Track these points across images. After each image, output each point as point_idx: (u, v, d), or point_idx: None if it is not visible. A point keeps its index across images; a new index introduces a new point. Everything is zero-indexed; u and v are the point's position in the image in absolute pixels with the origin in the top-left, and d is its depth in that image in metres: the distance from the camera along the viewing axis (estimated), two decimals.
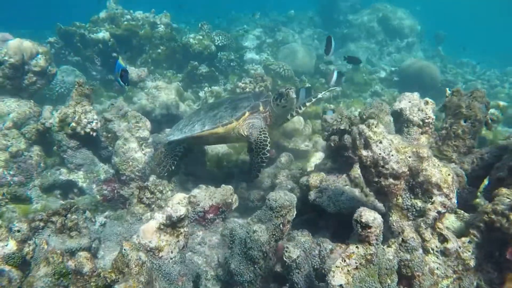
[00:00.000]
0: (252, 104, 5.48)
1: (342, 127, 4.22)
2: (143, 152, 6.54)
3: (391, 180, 3.28)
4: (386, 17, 22.37)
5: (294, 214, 3.76)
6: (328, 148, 4.68)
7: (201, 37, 13.23)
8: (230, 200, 5.02)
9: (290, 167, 6.00)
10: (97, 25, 12.01)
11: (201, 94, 10.70)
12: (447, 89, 4.70)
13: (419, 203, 3.28)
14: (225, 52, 13.71)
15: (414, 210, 3.29)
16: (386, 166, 3.23)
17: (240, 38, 17.21)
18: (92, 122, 5.95)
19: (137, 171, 6.34)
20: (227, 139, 5.84)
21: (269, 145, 5.09)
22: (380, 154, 3.24)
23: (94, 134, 6.07)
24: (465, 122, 4.31)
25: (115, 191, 6.38)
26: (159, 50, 12.52)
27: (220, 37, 13.64)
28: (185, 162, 6.66)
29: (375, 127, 3.30)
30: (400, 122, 4.48)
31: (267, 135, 5.17)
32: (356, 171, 4.29)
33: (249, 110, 5.39)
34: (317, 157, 7.13)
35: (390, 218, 3.39)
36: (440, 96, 14.79)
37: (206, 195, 4.88)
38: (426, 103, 4.33)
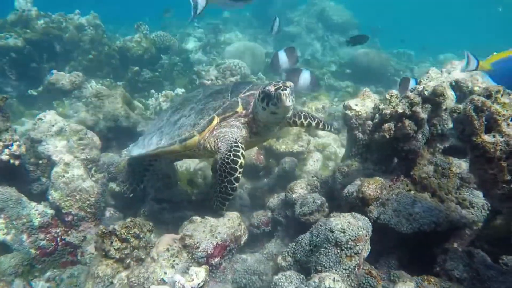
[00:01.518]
0: (227, 103, 3.67)
1: (399, 110, 2.97)
2: (94, 179, 4.78)
3: None
4: (324, 12, 22.16)
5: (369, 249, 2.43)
6: (371, 142, 3.42)
7: (139, 39, 11.44)
8: (239, 233, 3.54)
9: (301, 175, 4.66)
10: (4, 29, 9.68)
11: (151, 101, 8.95)
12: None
13: None
14: (167, 56, 12.08)
15: None
16: None
17: (181, 41, 15.60)
18: (11, 145, 4.10)
19: (89, 206, 4.58)
20: (198, 156, 4.24)
21: (239, 169, 3.37)
22: None
23: (17, 162, 4.22)
24: None
25: (58, 238, 4.56)
26: (91, 56, 10.50)
27: (161, 38, 11.95)
28: (154, 185, 5.02)
29: (502, 96, 2.09)
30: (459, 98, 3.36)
31: (238, 153, 3.39)
32: (422, 169, 3.08)
33: (219, 114, 3.62)
34: (315, 159, 5.89)
35: None
36: (391, 85, 14.53)
37: (205, 232, 3.35)
38: None
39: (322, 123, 4.16)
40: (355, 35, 8.22)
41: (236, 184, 3.41)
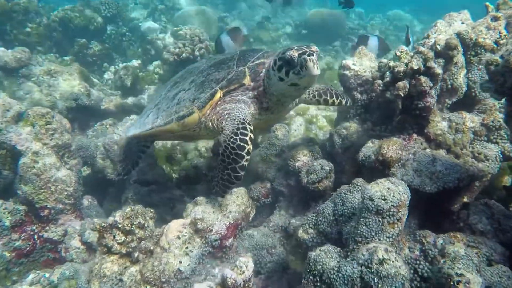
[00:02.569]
0: (232, 74, 3.17)
1: (414, 67, 2.83)
2: (68, 166, 4.28)
3: None
4: None
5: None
6: (375, 102, 3.29)
7: (81, 7, 10.34)
8: (249, 209, 3.34)
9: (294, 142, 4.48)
10: None
11: (108, 75, 8.21)
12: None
13: None
14: (114, 26, 11.11)
15: None
16: None
17: (125, 8, 14.38)
18: None
19: (67, 197, 4.11)
20: (199, 137, 3.68)
21: (246, 157, 2.91)
22: None
23: None
24: None
25: (35, 236, 4.10)
26: (28, 29, 9.33)
27: (106, 5, 10.89)
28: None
29: None
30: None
31: (246, 137, 2.91)
32: (437, 126, 3.02)
33: (222, 86, 3.14)
34: (298, 123, 5.75)
35: None
36: (350, 41, 14.50)
37: (216, 212, 3.10)
38: (495, 18, 3.20)
39: (346, 101, 3.74)
40: None
41: (242, 173, 2.95)
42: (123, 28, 11.50)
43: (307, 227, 2.96)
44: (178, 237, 2.92)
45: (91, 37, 10.28)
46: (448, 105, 3.20)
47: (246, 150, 2.90)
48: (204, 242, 2.97)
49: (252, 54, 3.31)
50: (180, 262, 2.81)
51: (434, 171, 2.79)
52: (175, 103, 3.32)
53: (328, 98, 3.57)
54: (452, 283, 1.94)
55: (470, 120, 2.99)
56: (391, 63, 3.03)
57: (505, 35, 3.18)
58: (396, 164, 2.85)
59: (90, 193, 4.81)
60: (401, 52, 3.01)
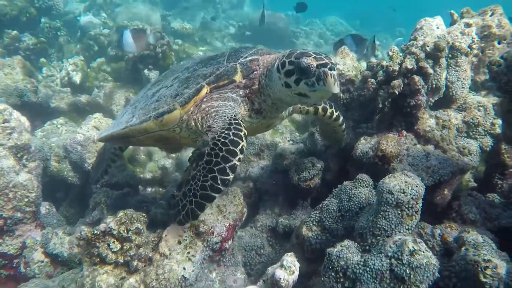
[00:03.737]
0: (221, 70, 2.83)
1: (409, 66, 2.97)
2: (27, 169, 3.80)
3: None
4: None
5: None
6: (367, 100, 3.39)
7: None
8: (245, 209, 3.23)
9: (268, 139, 4.45)
10: None
11: (48, 71, 7.45)
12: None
13: None
14: (47, 18, 10.20)
15: None
16: None
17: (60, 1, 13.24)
18: None
19: (28, 204, 3.64)
20: (179, 140, 3.12)
21: (240, 155, 2.49)
22: None
23: None
24: (499, 43, 3.69)
25: None
26: None
27: None
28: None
29: None
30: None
31: (241, 133, 2.55)
32: (426, 123, 3.20)
33: (210, 82, 2.80)
34: None
35: None
36: (292, 45, 14.97)
37: (215, 213, 2.94)
38: (468, 25, 3.49)
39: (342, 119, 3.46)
40: (301, 1, 8.09)
41: (231, 176, 2.44)
42: (57, 21, 10.57)
43: (311, 224, 2.94)
44: (179, 242, 2.72)
45: (23, 29, 9.29)
46: (431, 104, 3.40)
47: (240, 147, 2.49)
48: (205, 245, 2.80)
49: (245, 51, 3.04)
50: (184, 269, 2.62)
51: (430, 166, 2.94)
52: (155, 100, 2.97)
53: (328, 108, 3.28)
54: (480, 269, 2.04)
55: (454, 117, 3.21)
56: (384, 63, 3.15)
57: (477, 40, 3.48)
58: (396, 160, 2.95)
59: (48, 199, 4.35)
60: (393, 52, 3.14)
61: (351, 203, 2.80)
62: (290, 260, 1.85)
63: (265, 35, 15.69)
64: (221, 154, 2.45)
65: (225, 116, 2.71)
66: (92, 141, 4.39)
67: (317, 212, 2.96)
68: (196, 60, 3.35)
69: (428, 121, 3.17)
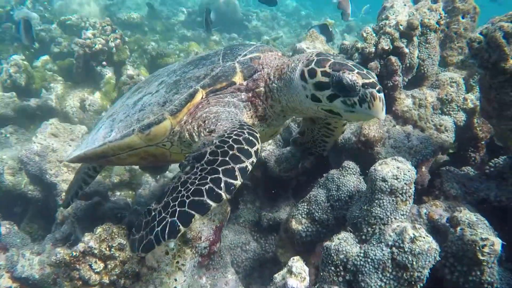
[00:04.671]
0: (217, 70, 2.43)
1: (385, 47, 2.92)
2: None
3: None
4: None
5: None
6: None
7: None
8: (229, 208, 3.09)
9: None
10: None
11: None
12: None
13: None
14: None
15: None
16: None
17: None
18: None
19: None
20: (169, 157, 2.64)
21: (254, 157, 1.99)
22: None
23: None
24: (463, 18, 3.75)
25: None
26: None
27: None
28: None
29: None
30: None
31: (256, 133, 2.10)
32: (403, 103, 3.19)
33: (205, 85, 2.38)
34: None
35: None
36: (245, 29, 14.76)
37: (201, 217, 2.78)
38: (435, 0, 3.50)
39: None
40: None
41: (239, 182, 1.89)
42: None
43: (300, 217, 2.87)
44: (167, 252, 2.55)
45: None
46: (405, 83, 3.41)
47: (255, 148, 2.01)
48: (194, 252, 2.65)
49: (242, 48, 2.62)
50: (176, 280, 2.47)
51: (412, 146, 2.95)
52: (138, 110, 2.51)
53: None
54: (477, 248, 2.06)
55: (430, 95, 3.22)
56: (359, 44, 3.08)
57: (444, 16, 3.50)
58: (379, 143, 2.92)
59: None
60: (367, 33, 3.07)
61: (340, 192, 2.75)
62: (299, 266, 1.75)
63: (217, 20, 15.26)
64: (231, 152, 1.94)
65: (231, 118, 2.28)
66: (51, 150, 4.01)
67: (305, 204, 2.89)
68: (184, 62, 2.92)
69: (405, 101, 3.16)
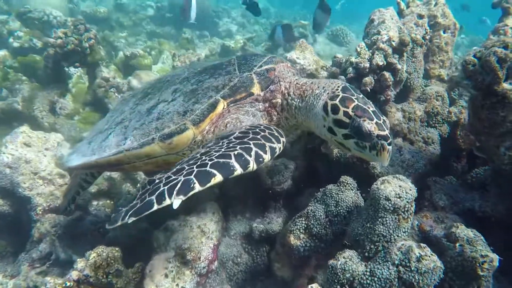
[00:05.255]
0: (235, 81, 2.53)
1: (380, 63, 2.98)
2: None
3: None
4: None
5: None
6: None
7: None
8: (224, 224, 3.03)
9: None
10: None
11: None
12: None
13: None
14: None
15: None
16: None
17: None
18: None
19: None
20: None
21: (282, 144, 2.25)
22: None
23: None
24: (444, 32, 3.90)
25: None
26: None
27: None
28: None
29: None
30: None
31: (282, 132, 2.36)
32: (394, 116, 3.27)
33: (225, 95, 2.47)
34: None
35: None
36: (215, 27, 14.59)
37: (198, 236, 2.71)
38: (420, 16, 3.61)
39: None
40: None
41: (268, 157, 2.05)
42: None
43: (298, 232, 2.86)
44: (166, 275, 2.46)
45: None
46: (393, 98, 3.49)
47: (283, 139, 2.26)
48: (193, 273, 2.59)
49: (256, 59, 2.73)
50: None
51: (404, 160, 3.03)
52: (155, 118, 2.53)
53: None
54: (478, 264, 2.15)
55: (418, 109, 3.32)
56: (353, 59, 3.12)
57: (429, 31, 3.62)
58: None
59: None
60: (361, 48, 3.11)
61: (339, 208, 2.77)
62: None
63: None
64: (261, 133, 2.11)
65: (252, 121, 2.47)
66: (24, 161, 3.74)
67: (303, 219, 2.88)
68: (195, 69, 2.93)
69: (395, 114, 3.24)
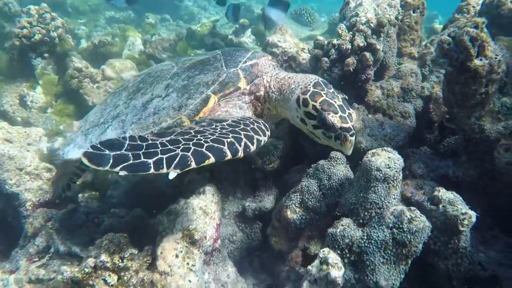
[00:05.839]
0: (223, 76, 2.78)
1: (361, 44, 3.17)
2: None
3: (495, 85, 2.81)
4: None
5: None
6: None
7: None
8: (222, 205, 3.17)
9: None
10: None
11: None
12: None
13: (508, 101, 3.01)
14: None
15: (505, 108, 3.02)
16: (499, 70, 2.70)
17: None
18: None
19: None
20: None
21: (267, 138, 2.52)
22: (495, 57, 2.65)
23: None
24: (414, 12, 4.16)
25: None
26: None
27: None
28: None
29: (484, 26, 2.61)
30: None
31: (267, 125, 2.65)
32: (374, 94, 3.50)
33: (215, 91, 2.72)
34: None
35: (486, 126, 3.00)
36: (176, 10, 14.32)
37: (201, 216, 2.84)
38: None
39: None
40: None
41: (254, 148, 2.33)
42: None
43: (294, 207, 3.06)
44: (177, 256, 2.58)
45: None
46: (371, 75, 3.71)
47: (268, 133, 2.54)
48: (200, 251, 2.72)
49: (240, 54, 2.98)
50: (190, 281, 2.52)
51: (386, 134, 3.28)
52: (151, 113, 2.72)
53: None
54: (459, 222, 2.44)
55: (395, 86, 3.57)
56: (335, 41, 3.29)
57: (401, 12, 3.85)
58: (360, 133, 3.20)
59: None
60: (342, 30, 3.28)
61: (332, 181, 2.98)
62: (334, 257, 1.94)
63: (152, 1, 14.51)
64: (251, 125, 2.39)
65: (239, 113, 2.76)
66: (7, 158, 3.66)
67: (298, 194, 3.08)
68: (183, 64, 3.10)
69: (375, 92, 3.47)
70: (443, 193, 2.65)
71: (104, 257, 2.31)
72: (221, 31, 10.80)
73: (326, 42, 3.45)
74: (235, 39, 9.06)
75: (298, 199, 3.07)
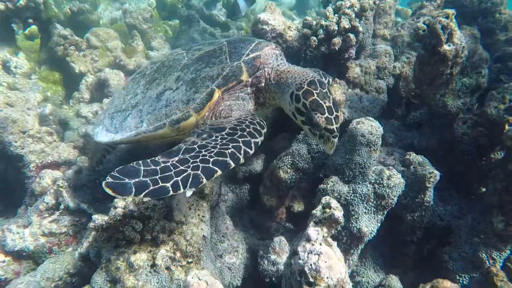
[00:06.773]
0: (227, 70, 2.95)
1: (346, 26, 3.59)
2: None
3: (458, 68, 3.36)
4: None
5: None
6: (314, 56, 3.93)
7: None
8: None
9: None
10: None
11: None
12: None
13: (467, 81, 3.59)
14: None
15: (465, 88, 3.60)
16: (462, 54, 3.24)
17: None
18: None
19: None
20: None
21: (262, 136, 2.67)
22: (460, 44, 3.18)
23: None
24: None
25: None
26: None
27: None
28: None
29: (453, 16, 3.12)
30: None
31: (263, 122, 2.79)
32: (354, 71, 3.97)
33: (219, 85, 2.90)
34: None
35: (448, 102, 3.58)
36: None
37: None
38: None
39: None
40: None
41: (252, 152, 2.51)
42: None
43: (286, 168, 3.51)
44: (190, 208, 2.96)
45: None
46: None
47: (264, 131, 2.70)
48: (208, 204, 3.11)
49: (244, 46, 3.12)
50: (202, 229, 2.92)
51: (364, 106, 3.78)
52: (163, 105, 3.00)
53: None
54: (426, 179, 3.00)
55: (372, 64, 4.06)
56: (323, 22, 3.69)
57: None
58: (342, 105, 3.67)
59: None
60: (329, 12, 3.68)
61: (319, 145, 3.45)
62: (335, 202, 2.38)
63: None
64: (247, 129, 2.59)
65: (241, 109, 2.98)
66: (11, 121, 3.78)
67: (289, 157, 3.52)
68: (192, 55, 3.29)
69: (355, 69, 3.93)
70: (414, 157, 3.20)
71: (132, 207, 2.64)
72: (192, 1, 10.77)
73: (314, 22, 3.84)
74: (207, 12, 9.14)
75: (289, 161, 3.52)
